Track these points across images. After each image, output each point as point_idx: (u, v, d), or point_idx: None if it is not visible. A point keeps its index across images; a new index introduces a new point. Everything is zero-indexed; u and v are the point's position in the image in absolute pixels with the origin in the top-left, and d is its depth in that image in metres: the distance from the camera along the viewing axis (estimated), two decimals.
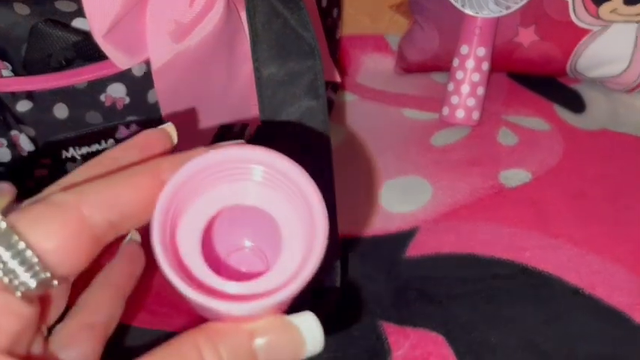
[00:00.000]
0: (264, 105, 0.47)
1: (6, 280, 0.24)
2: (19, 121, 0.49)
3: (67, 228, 0.25)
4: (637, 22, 0.67)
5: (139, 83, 0.49)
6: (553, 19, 0.67)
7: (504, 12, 0.67)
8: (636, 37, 0.68)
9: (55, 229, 0.25)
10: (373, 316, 0.52)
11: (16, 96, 0.48)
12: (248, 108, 0.53)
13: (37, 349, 0.28)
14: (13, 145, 0.50)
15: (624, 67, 0.69)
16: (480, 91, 0.68)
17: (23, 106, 0.48)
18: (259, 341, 0.26)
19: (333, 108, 0.70)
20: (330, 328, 0.51)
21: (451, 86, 0.69)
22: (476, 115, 0.68)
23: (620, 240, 0.56)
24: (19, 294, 0.24)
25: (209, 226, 0.28)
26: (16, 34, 0.46)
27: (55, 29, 0.47)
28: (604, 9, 0.66)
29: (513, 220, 0.58)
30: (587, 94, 0.72)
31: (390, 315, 0.52)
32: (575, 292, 0.53)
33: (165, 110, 0.51)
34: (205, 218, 0.27)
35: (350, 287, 0.54)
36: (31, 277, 0.24)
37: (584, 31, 0.68)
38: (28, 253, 0.24)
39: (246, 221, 0.29)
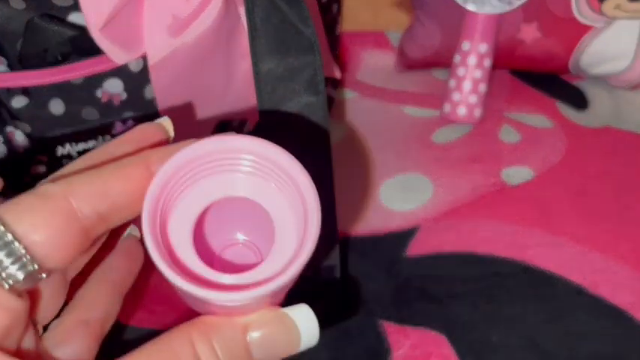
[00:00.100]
0: (263, 101, 0.47)
1: None
2: (15, 117, 0.49)
3: (55, 219, 0.25)
4: None
5: (136, 79, 0.49)
6: (556, 15, 0.67)
7: (507, 8, 0.66)
8: None
9: (43, 220, 0.25)
10: (373, 315, 0.52)
11: (11, 91, 0.48)
12: (247, 104, 0.52)
13: (28, 344, 0.27)
14: (8, 142, 0.50)
15: (627, 63, 0.69)
16: (482, 87, 0.68)
17: (19, 102, 0.48)
18: (253, 334, 0.26)
19: (333, 105, 0.70)
20: (329, 326, 0.51)
21: (452, 83, 0.68)
22: (478, 112, 0.68)
23: (623, 238, 0.56)
24: (7, 287, 0.24)
25: (201, 218, 0.27)
26: (11, 29, 0.46)
27: (51, 24, 0.46)
28: (607, 5, 0.65)
29: (515, 218, 0.58)
30: (590, 91, 0.72)
31: (390, 314, 0.52)
32: (578, 291, 0.52)
33: (162, 106, 0.50)
34: (196, 210, 0.27)
35: (350, 286, 0.54)
36: (19, 269, 0.24)
37: (587, 28, 0.67)
38: (16, 244, 0.24)
39: (238, 213, 0.29)
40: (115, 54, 0.47)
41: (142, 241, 0.34)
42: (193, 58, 0.48)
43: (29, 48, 0.46)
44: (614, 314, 0.51)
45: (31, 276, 0.24)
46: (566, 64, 0.70)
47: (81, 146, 0.51)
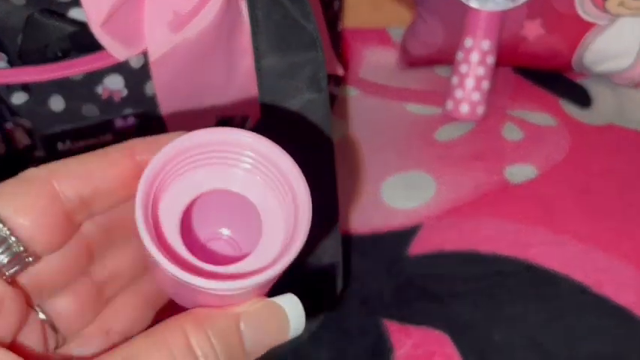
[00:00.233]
0: (265, 97, 0.47)
1: None
2: (15, 113, 0.48)
3: (39, 201, 0.25)
4: None
5: (137, 75, 0.49)
6: (559, 12, 0.67)
7: (510, 5, 0.66)
8: None
9: (26, 202, 0.25)
10: (375, 314, 0.52)
11: (11, 88, 0.48)
12: (248, 100, 0.52)
13: (33, 343, 0.27)
14: (8, 138, 0.50)
15: (631, 61, 0.69)
16: (485, 85, 0.67)
17: (19, 99, 0.48)
18: (246, 324, 0.26)
19: (336, 102, 0.70)
20: (331, 324, 0.51)
21: (455, 80, 0.68)
22: (480, 110, 0.67)
23: (627, 236, 0.56)
24: None
25: (190, 208, 0.27)
26: (11, 25, 0.46)
27: (52, 20, 0.46)
28: (611, 2, 0.65)
29: (518, 217, 0.58)
30: (594, 88, 0.71)
31: (392, 313, 0.52)
32: (581, 290, 0.52)
33: (163, 103, 0.50)
34: (185, 200, 0.27)
35: (352, 284, 0.54)
36: (3, 252, 0.24)
37: (591, 25, 0.67)
38: (0, 226, 0.24)
39: (226, 207, 0.29)
40: (116, 50, 0.47)
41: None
42: (194, 54, 0.48)
43: (29, 44, 0.46)
44: (618, 313, 0.51)
45: (16, 259, 0.24)
46: (570, 62, 0.70)
47: (81, 143, 0.50)
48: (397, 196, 0.61)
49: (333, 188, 0.49)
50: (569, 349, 0.49)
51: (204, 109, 0.52)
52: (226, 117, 0.53)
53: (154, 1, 0.46)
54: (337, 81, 0.69)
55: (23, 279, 0.26)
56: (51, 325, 0.28)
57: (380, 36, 0.78)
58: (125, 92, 0.49)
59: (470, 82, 0.67)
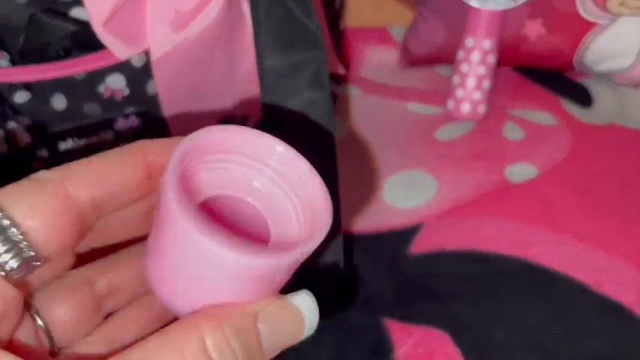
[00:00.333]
0: (267, 96, 0.47)
1: None
2: (17, 112, 0.48)
3: (53, 204, 0.25)
4: None
5: (139, 74, 0.49)
6: (560, 11, 0.67)
7: (511, 4, 0.66)
8: None
9: (41, 204, 0.24)
10: (376, 313, 0.52)
11: (13, 86, 0.48)
12: (250, 99, 0.52)
13: (27, 339, 0.27)
14: (10, 137, 0.50)
15: (632, 61, 0.69)
16: (486, 84, 0.67)
17: (21, 97, 0.48)
18: (263, 322, 0.25)
19: (337, 101, 0.70)
20: (332, 323, 0.51)
21: (456, 79, 0.68)
22: (481, 109, 0.67)
23: (628, 236, 0.56)
24: (2, 274, 0.24)
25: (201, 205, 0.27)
26: (13, 24, 0.46)
27: (54, 19, 0.46)
28: (612, 2, 0.65)
29: (519, 216, 0.58)
30: (595, 88, 0.71)
31: (393, 312, 0.52)
32: (582, 290, 0.52)
33: (165, 102, 0.50)
34: (199, 197, 0.27)
35: (352, 283, 0.54)
36: (14, 256, 0.24)
37: (592, 25, 0.67)
38: (13, 230, 0.24)
39: (235, 214, 0.29)
40: (118, 49, 0.47)
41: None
42: (196, 53, 0.48)
43: (31, 43, 0.46)
44: (618, 313, 0.51)
45: (26, 263, 0.24)
46: (571, 61, 0.70)
47: (83, 142, 0.51)
48: (398, 196, 0.61)
49: (334, 187, 0.49)
50: (569, 349, 0.49)
51: (206, 108, 0.52)
52: (228, 116, 0.53)
53: (156, 0, 0.46)
54: (338, 80, 0.69)
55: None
56: (47, 332, 0.28)
57: (381, 35, 0.78)
58: (127, 91, 0.49)
59: (471, 82, 0.67)
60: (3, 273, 0.24)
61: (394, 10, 0.79)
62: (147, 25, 0.47)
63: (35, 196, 0.24)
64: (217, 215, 0.29)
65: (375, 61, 0.76)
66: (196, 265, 0.25)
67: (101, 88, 0.49)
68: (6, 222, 0.24)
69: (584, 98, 0.70)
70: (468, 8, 0.67)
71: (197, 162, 0.26)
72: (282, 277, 0.26)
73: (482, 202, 0.59)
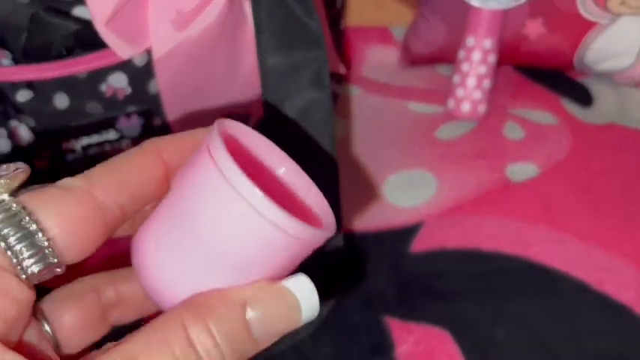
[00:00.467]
0: (268, 95, 0.47)
1: (14, 260, 0.23)
2: (19, 110, 0.48)
3: (78, 212, 0.25)
4: None
5: (140, 73, 0.49)
6: (561, 11, 0.67)
7: (512, 4, 0.66)
8: None
9: (66, 212, 0.24)
10: (377, 311, 0.52)
11: (16, 85, 0.48)
12: (251, 98, 0.52)
13: (30, 338, 0.26)
14: (12, 136, 0.50)
15: (632, 60, 0.69)
16: (486, 83, 0.67)
17: (23, 96, 0.48)
18: (252, 311, 0.25)
19: (338, 100, 0.70)
20: (333, 321, 0.51)
21: (457, 79, 0.68)
22: (482, 109, 0.67)
23: (628, 235, 0.56)
24: (23, 277, 0.24)
25: None
26: (16, 22, 0.46)
27: (56, 18, 0.46)
28: (613, 1, 0.65)
29: (520, 215, 0.58)
30: (595, 87, 0.71)
31: (394, 310, 0.52)
32: (583, 288, 0.52)
33: (166, 100, 0.50)
34: None
35: (354, 282, 0.54)
36: (37, 261, 0.24)
37: (592, 24, 0.67)
38: (39, 235, 0.24)
39: None
40: (120, 48, 0.47)
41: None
42: (198, 52, 0.48)
43: (34, 42, 0.46)
44: (619, 311, 0.51)
45: (47, 269, 0.24)
46: (571, 61, 0.70)
47: (85, 141, 0.51)
48: (399, 194, 0.61)
49: (335, 186, 0.49)
50: (570, 347, 0.49)
51: (208, 106, 0.52)
52: (229, 115, 0.53)
53: None
54: (339, 79, 0.69)
55: None
56: (53, 337, 0.28)
57: (382, 34, 0.78)
58: (129, 90, 0.49)
59: (471, 81, 0.67)
60: (24, 276, 0.24)
61: (395, 9, 0.79)
62: (149, 24, 0.47)
63: (62, 202, 0.24)
64: None
65: (376, 60, 0.76)
66: (241, 234, 0.24)
67: (103, 87, 0.49)
68: (33, 227, 0.24)
69: (584, 98, 0.70)
70: (468, 8, 0.67)
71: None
72: (296, 262, 0.26)
73: (483, 201, 0.59)
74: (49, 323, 0.28)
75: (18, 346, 0.25)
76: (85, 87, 0.48)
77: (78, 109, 0.49)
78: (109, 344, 0.26)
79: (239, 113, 0.54)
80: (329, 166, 0.49)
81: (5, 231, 0.23)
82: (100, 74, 0.48)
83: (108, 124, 0.51)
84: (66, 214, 0.24)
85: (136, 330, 0.24)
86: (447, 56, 0.71)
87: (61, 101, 0.48)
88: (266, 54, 0.46)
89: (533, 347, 0.49)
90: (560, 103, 0.69)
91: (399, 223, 0.58)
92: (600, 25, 0.67)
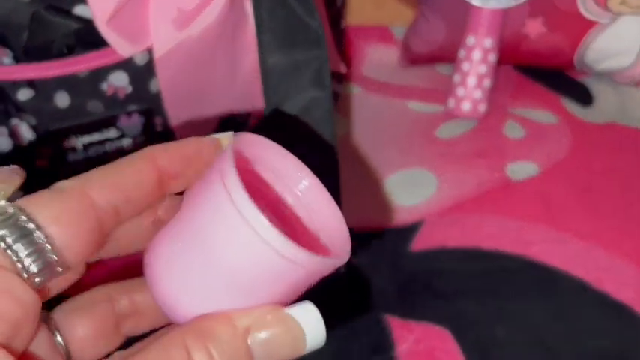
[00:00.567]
0: (269, 94, 0.47)
1: (14, 258, 0.23)
2: (20, 109, 0.48)
3: (74, 211, 0.25)
4: None
5: (141, 72, 0.49)
6: (561, 10, 0.67)
7: (512, 3, 0.66)
8: None
9: (63, 212, 0.25)
10: (377, 310, 0.52)
11: (17, 84, 0.48)
12: (252, 98, 0.52)
13: (44, 353, 0.26)
14: (13, 134, 0.50)
15: (632, 59, 0.69)
16: (487, 83, 0.67)
17: (24, 95, 0.48)
18: (255, 337, 0.25)
19: (338, 100, 0.70)
20: (333, 320, 0.51)
21: (457, 78, 0.68)
22: (482, 108, 0.68)
23: (628, 235, 0.56)
24: (25, 276, 0.24)
25: None
26: (17, 21, 0.46)
27: (57, 16, 0.46)
28: (613, 0, 0.65)
29: (520, 214, 0.58)
30: (595, 87, 0.71)
31: (394, 308, 0.52)
32: (583, 287, 0.52)
33: (167, 99, 0.50)
34: None
35: (354, 280, 0.54)
36: (36, 260, 0.24)
37: (592, 23, 0.67)
38: (37, 234, 0.24)
39: None
40: (121, 47, 0.47)
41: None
42: (199, 51, 0.48)
43: (35, 40, 0.46)
44: (619, 310, 0.51)
45: (48, 268, 0.24)
46: (571, 60, 0.70)
47: (86, 139, 0.51)
48: (399, 194, 0.61)
49: (335, 185, 0.49)
50: (571, 345, 0.49)
51: (208, 105, 0.52)
52: (230, 114, 0.53)
53: None
54: (340, 78, 0.69)
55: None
56: (65, 349, 0.28)
57: (382, 34, 0.78)
58: (130, 89, 0.49)
59: (472, 80, 0.67)
60: (25, 275, 0.24)
61: (395, 9, 0.79)
62: (150, 23, 0.47)
63: (57, 202, 0.25)
64: None
65: (377, 59, 0.76)
66: (236, 260, 0.25)
67: (104, 86, 0.49)
68: (31, 225, 0.24)
69: (584, 97, 0.70)
70: (469, 7, 0.67)
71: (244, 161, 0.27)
72: (302, 288, 0.26)
73: (483, 200, 0.59)
74: (61, 334, 0.28)
75: (23, 357, 0.25)
76: (86, 86, 0.48)
77: (79, 107, 0.49)
78: (116, 353, 0.26)
79: (239, 112, 0.54)
80: (330, 165, 0.49)
81: (2, 232, 0.23)
82: (101, 73, 0.48)
83: (109, 122, 0.51)
84: (61, 214, 0.24)
85: (139, 348, 0.24)
86: (447, 55, 0.71)
87: (62, 100, 0.48)
88: (267, 53, 0.46)
89: (533, 346, 0.49)
90: (561, 103, 0.69)
91: (399, 221, 0.59)
92: (600, 25, 0.67)
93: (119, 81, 0.49)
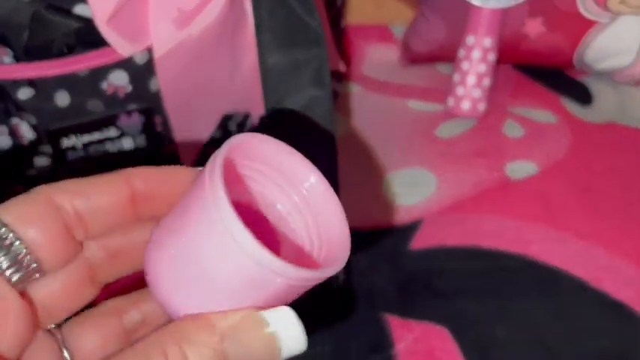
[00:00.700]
0: (269, 94, 0.47)
1: None
2: (20, 108, 0.49)
3: (39, 210, 0.26)
4: None
5: (141, 71, 0.49)
6: (561, 10, 0.67)
7: (512, 3, 0.66)
8: None
9: (27, 210, 0.25)
10: (377, 309, 0.52)
11: (17, 83, 0.48)
12: (252, 97, 0.52)
13: None
14: (13, 133, 0.50)
15: (632, 59, 0.69)
16: (486, 82, 0.67)
17: (24, 94, 0.48)
18: (230, 341, 0.25)
19: (338, 99, 0.70)
20: (333, 319, 0.51)
21: (457, 77, 0.68)
22: (482, 107, 0.68)
23: (628, 235, 0.56)
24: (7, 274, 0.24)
25: None
26: (17, 21, 0.46)
27: (57, 16, 0.46)
28: (612, 0, 0.65)
29: (519, 213, 0.58)
30: (595, 86, 0.71)
31: (394, 307, 0.52)
32: (582, 287, 0.52)
33: (167, 99, 0.50)
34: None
35: (354, 279, 0.54)
36: (5, 254, 0.25)
37: (592, 23, 0.67)
38: (2, 230, 0.25)
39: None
40: (121, 46, 0.47)
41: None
42: (199, 50, 0.48)
43: (35, 40, 0.46)
44: (619, 310, 0.51)
45: (19, 264, 0.25)
46: (571, 59, 0.70)
47: (86, 138, 0.51)
48: (398, 193, 0.61)
49: (335, 184, 0.49)
50: (571, 345, 0.49)
51: (208, 105, 0.52)
52: (229, 113, 0.53)
53: None
54: (339, 77, 0.69)
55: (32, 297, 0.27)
56: None
57: (382, 33, 0.78)
58: (129, 88, 0.49)
59: (471, 79, 0.67)
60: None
61: (395, 8, 0.79)
62: (150, 22, 0.47)
63: (22, 203, 0.26)
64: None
65: (376, 58, 0.76)
66: (214, 262, 0.25)
67: (104, 85, 0.49)
68: None
69: (584, 96, 0.70)
70: (468, 6, 0.67)
71: (236, 163, 0.27)
72: (290, 295, 0.26)
73: (483, 199, 0.59)
74: (67, 348, 0.28)
75: None
76: (86, 85, 0.48)
77: (79, 106, 0.49)
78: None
79: (239, 111, 0.54)
80: (329, 164, 0.49)
81: None
82: (100, 72, 0.48)
83: (109, 121, 0.51)
84: (25, 213, 0.25)
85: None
86: (447, 55, 0.71)
87: (62, 99, 0.49)
88: (267, 52, 0.46)
89: (533, 346, 0.49)
90: (560, 102, 0.69)
91: (398, 220, 0.59)
92: (600, 24, 0.67)
93: (119, 80, 0.49)
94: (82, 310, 0.29)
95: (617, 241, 0.55)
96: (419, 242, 0.56)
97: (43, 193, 0.26)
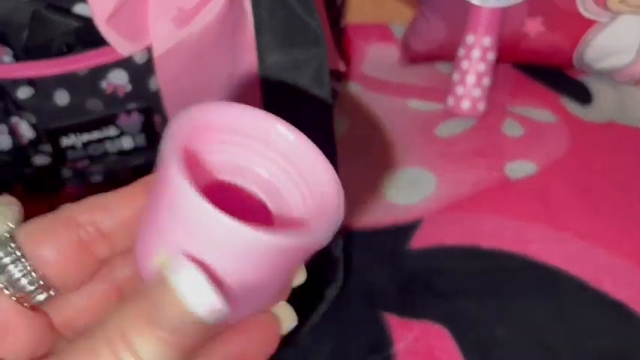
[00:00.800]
0: (268, 93, 0.47)
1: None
2: (20, 107, 0.49)
3: (52, 226, 0.26)
4: None
5: (141, 70, 0.49)
6: (560, 9, 0.67)
7: (511, 2, 0.66)
8: None
9: (39, 228, 0.26)
10: (376, 308, 0.52)
11: (17, 82, 0.48)
12: (251, 96, 0.52)
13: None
14: (13, 133, 0.50)
15: (632, 58, 0.69)
16: (486, 81, 0.67)
17: (24, 93, 0.48)
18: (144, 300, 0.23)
19: (337, 98, 0.70)
20: (331, 317, 0.51)
21: (456, 76, 0.68)
22: (481, 106, 0.68)
23: (628, 235, 0.56)
24: (7, 292, 0.25)
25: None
26: (17, 20, 0.46)
27: (57, 15, 0.46)
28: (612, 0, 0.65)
29: (519, 213, 0.58)
30: (595, 86, 0.71)
31: (393, 307, 0.52)
32: (582, 287, 0.52)
33: (167, 98, 0.50)
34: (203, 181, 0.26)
35: (352, 278, 0.54)
36: (24, 275, 0.25)
37: (592, 22, 0.67)
38: (12, 245, 0.25)
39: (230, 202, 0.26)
40: (121, 45, 0.47)
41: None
42: (198, 49, 0.48)
43: (35, 39, 0.46)
44: (618, 310, 0.51)
45: (26, 279, 0.25)
46: (571, 59, 0.70)
47: (85, 137, 0.51)
48: (398, 192, 0.61)
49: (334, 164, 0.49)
50: (571, 345, 0.49)
51: None
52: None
53: None
54: (339, 77, 0.69)
55: (51, 316, 0.27)
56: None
57: (382, 32, 0.78)
58: (129, 87, 0.49)
59: (471, 79, 0.67)
60: (5, 290, 0.25)
61: (395, 7, 0.79)
62: (149, 21, 0.47)
63: (39, 222, 0.26)
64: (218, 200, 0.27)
65: (376, 58, 0.76)
66: (188, 236, 0.23)
67: (103, 84, 0.49)
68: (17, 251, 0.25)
69: (583, 96, 0.70)
70: (468, 6, 0.67)
71: (200, 139, 0.26)
72: (289, 268, 0.25)
73: (482, 199, 0.59)
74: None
75: None
76: (86, 84, 0.48)
77: (78, 105, 0.49)
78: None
79: None
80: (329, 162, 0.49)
81: None
82: (100, 71, 0.48)
83: (108, 120, 0.51)
84: (38, 231, 0.26)
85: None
86: (446, 54, 0.71)
87: (62, 98, 0.49)
88: (266, 52, 0.46)
89: (533, 346, 0.49)
90: (560, 102, 0.69)
91: (398, 220, 0.59)
92: (600, 24, 0.67)
93: (118, 79, 0.49)
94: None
95: (617, 241, 0.55)
96: (418, 242, 0.56)
97: (64, 211, 0.26)
